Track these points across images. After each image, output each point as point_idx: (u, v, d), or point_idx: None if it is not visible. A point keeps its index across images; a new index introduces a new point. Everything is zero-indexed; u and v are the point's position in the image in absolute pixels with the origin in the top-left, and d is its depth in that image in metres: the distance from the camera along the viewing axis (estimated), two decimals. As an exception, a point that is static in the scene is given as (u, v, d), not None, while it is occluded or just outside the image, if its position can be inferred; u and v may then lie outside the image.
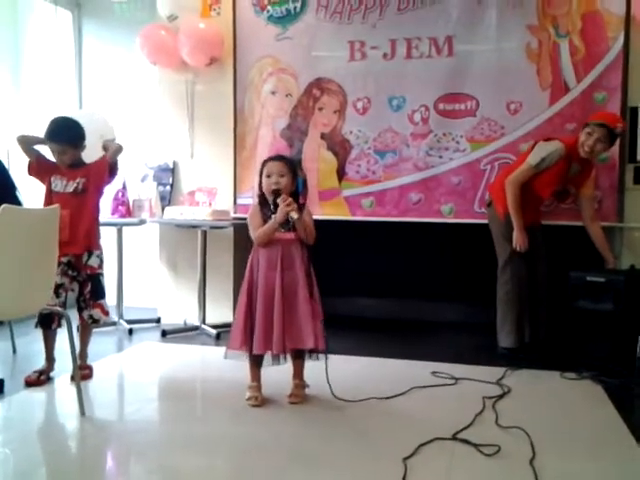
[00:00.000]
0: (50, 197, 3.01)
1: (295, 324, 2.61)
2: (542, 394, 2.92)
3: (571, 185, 3.64)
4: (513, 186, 3.45)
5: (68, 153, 3.04)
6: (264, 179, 2.66)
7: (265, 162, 2.71)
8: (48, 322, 2.98)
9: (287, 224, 2.59)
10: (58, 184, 3.05)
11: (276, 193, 2.60)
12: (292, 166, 2.69)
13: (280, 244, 2.63)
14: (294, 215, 2.53)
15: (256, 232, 2.65)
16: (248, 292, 2.66)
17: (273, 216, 2.61)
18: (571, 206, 3.81)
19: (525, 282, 3.56)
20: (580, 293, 3.38)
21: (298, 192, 2.73)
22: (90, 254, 3.09)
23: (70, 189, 3.05)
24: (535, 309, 3.63)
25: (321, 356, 2.68)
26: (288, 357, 2.71)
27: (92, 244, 3.10)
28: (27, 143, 3.04)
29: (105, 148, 3.26)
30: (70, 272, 3.04)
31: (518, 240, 3.45)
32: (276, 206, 2.59)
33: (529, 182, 3.48)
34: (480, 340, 3.87)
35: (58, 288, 2.94)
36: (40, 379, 2.97)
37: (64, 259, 2.98)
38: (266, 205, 2.68)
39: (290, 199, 2.58)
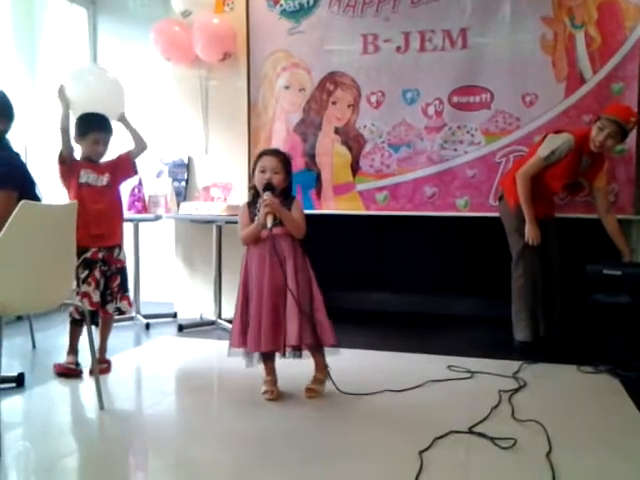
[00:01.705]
0: (80, 190, 3.02)
1: (284, 320, 2.58)
2: (558, 388, 2.90)
3: (583, 178, 3.61)
4: (524, 179, 3.44)
5: (107, 143, 3.10)
6: (257, 173, 2.63)
7: (260, 155, 2.68)
8: (82, 320, 3.03)
9: (272, 223, 2.55)
10: (90, 177, 3.07)
11: (266, 187, 2.58)
12: (287, 162, 2.68)
13: (268, 240, 2.60)
14: (269, 222, 2.52)
15: (241, 232, 2.65)
16: (244, 290, 2.66)
17: (257, 215, 2.60)
18: (586, 199, 3.79)
19: (539, 275, 3.55)
20: (596, 286, 3.35)
21: (291, 188, 2.72)
22: (120, 248, 3.18)
23: (102, 182, 3.10)
24: (550, 302, 3.61)
25: (330, 350, 2.67)
26: (288, 352, 2.65)
27: (122, 238, 3.20)
28: (68, 134, 3.04)
29: (122, 121, 3.28)
30: (102, 266, 3.10)
31: (530, 233, 3.44)
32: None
33: (540, 175, 3.47)
34: (496, 334, 3.86)
35: (98, 283, 3.05)
36: (77, 369, 3.03)
37: (100, 254, 3.06)
38: (255, 202, 2.67)
39: (274, 200, 2.55)
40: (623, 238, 3.55)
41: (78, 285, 2.98)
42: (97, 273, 3.06)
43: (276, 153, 2.69)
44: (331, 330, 2.64)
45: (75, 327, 3.10)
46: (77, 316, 3.05)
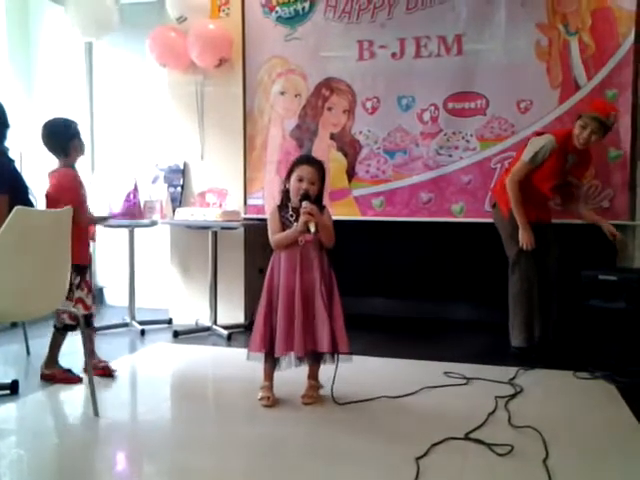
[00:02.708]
0: None
1: (313, 326, 2.61)
2: (555, 394, 2.91)
3: (572, 176, 3.62)
4: (512, 184, 3.47)
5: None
6: (294, 181, 2.63)
7: (298, 163, 2.67)
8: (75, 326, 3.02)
9: (308, 231, 2.56)
10: None
11: (303, 197, 2.58)
12: (323, 172, 2.68)
13: (299, 246, 2.63)
14: (312, 228, 2.53)
15: (274, 236, 2.65)
16: (268, 294, 2.66)
17: (295, 223, 2.60)
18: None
19: (534, 281, 3.54)
20: (592, 292, 3.35)
21: (322, 196, 2.72)
22: None
23: None
24: (546, 308, 3.61)
25: (343, 357, 2.66)
26: (307, 359, 2.69)
27: None
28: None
29: None
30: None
31: (524, 238, 3.45)
32: (298, 209, 2.58)
33: (529, 178, 3.48)
34: (492, 339, 3.87)
35: (90, 288, 3.16)
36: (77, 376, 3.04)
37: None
38: (285, 207, 2.68)
39: (313, 208, 2.55)
40: (597, 216, 3.63)
41: (71, 291, 2.95)
42: (88, 278, 3.08)
43: (314, 163, 2.67)
44: (347, 339, 2.65)
45: (60, 335, 3.06)
46: (70, 322, 3.02)
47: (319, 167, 2.67)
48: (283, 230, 2.65)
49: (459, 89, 3.98)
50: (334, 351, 2.63)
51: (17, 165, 2.89)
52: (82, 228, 3.00)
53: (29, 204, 2.74)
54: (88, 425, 2.51)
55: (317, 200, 2.65)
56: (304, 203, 2.56)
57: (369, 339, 3.98)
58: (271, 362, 2.70)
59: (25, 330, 3.64)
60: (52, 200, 2.91)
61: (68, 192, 2.92)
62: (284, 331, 2.59)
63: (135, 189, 4.33)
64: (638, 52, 3.71)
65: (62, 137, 3.02)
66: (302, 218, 2.55)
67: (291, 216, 2.64)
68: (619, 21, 3.73)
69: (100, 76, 5.17)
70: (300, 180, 2.61)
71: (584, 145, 3.41)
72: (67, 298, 2.89)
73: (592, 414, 2.64)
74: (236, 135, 4.40)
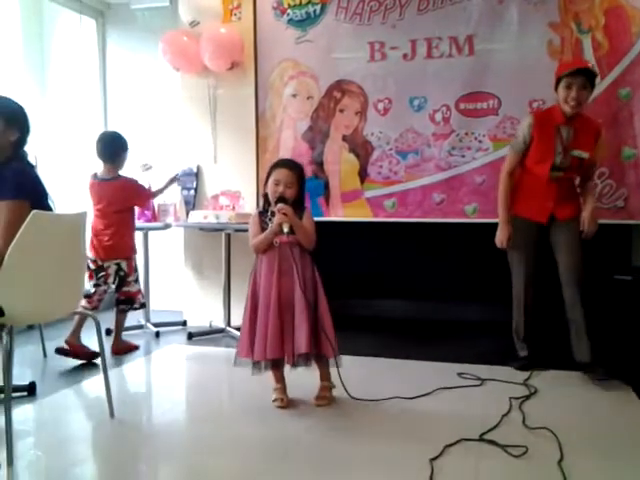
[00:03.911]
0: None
1: (293, 328, 2.58)
2: (569, 395, 2.88)
3: (579, 150, 3.10)
4: (502, 178, 3.24)
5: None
6: (271, 184, 2.65)
7: (275, 167, 2.70)
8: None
9: (282, 232, 2.57)
10: None
11: (279, 199, 2.61)
12: (301, 176, 2.70)
13: (277, 249, 2.63)
14: (285, 229, 2.54)
15: (253, 240, 2.67)
16: (252, 298, 2.67)
17: (270, 224, 2.62)
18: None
19: (524, 286, 3.24)
20: (607, 292, 3.31)
21: (302, 198, 2.73)
22: None
23: None
24: (538, 315, 3.29)
25: (332, 361, 2.65)
26: (297, 361, 2.63)
27: None
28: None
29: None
30: None
31: (497, 236, 3.25)
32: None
33: (524, 169, 3.22)
34: (506, 340, 3.83)
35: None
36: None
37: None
38: (265, 212, 2.70)
39: (287, 208, 2.57)
40: (589, 204, 3.16)
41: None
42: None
43: (291, 167, 2.69)
44: (333, 341, 2.61)
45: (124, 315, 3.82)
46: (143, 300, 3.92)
47: (296, 170, 2.68)
48: None
49: (471, 89, 3.97)
50: (317, 352, 2.61)
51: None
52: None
53: (48, 209, 2.77)
54: (104, 426, 2.54)
55: (298, 203, 2.67)
56: (279, 205, 2.58)
57: (383, 340, 3.98)
58: (274, 366, 2.68)
59: (42, 332, 3.68)
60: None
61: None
62: (262, 334, 2.58)
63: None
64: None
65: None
66: (276, 218, 2.57)
67: (270, 220, 2.65)
68: (632, 20, 3.70)
69: (113, 80, 5.22)
70: (277, 184, 2.63)
71: (577, 107, 3.02)
72: (136, 281, 3.81)
73: (607, 415, 2.62)
74: (249, 138, 4.42)
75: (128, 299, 3.74)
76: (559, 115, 3.10)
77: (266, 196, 2.72)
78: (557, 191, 3.16)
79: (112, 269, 3.66)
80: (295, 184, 2.65)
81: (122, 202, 3.70)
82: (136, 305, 3.80)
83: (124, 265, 3.69)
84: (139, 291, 3.83)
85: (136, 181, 3.83)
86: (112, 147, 3.68)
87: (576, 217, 3.16)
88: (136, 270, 3.81)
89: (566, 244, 3.15)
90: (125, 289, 3.71)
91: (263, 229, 2.66)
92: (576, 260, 3.11)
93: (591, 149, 3.13)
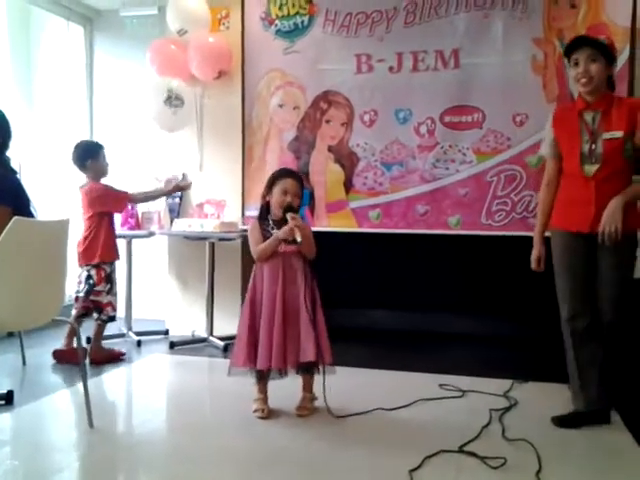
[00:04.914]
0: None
1: (297, 337, 2.61)
2: (549, 407, 2.88)
3: (614, 130, 2.55)
4: (541, 190, 2.83)
5: None
6: (278, 194, 2.66)
7: (280, 177, 2.71)
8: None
9: (294, 241, 2.59)
10: None
11: (288, 209, 2.62)
12: (302, 186, 2.75)
13: (281, 257, 2.65)
14: (298, 238, 2.56)
15: (257, 247, 2.67)
16: (251, 307, 2.67)
17: (274, 231, 2.63)
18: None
19: (567, 321, 2.66)
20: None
21: (302, 208, 2.79)
22: None
23: None
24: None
25: (329, 369, 2.68)
26: (290, 371, 2.69)
27: None
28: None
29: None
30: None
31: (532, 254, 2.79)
32: (284, 221, 2.61)
33: (562, 174, 2.72)
34: (488, 352, 3.87)
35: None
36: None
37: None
38: (265, 219, 2.71)
39: (300, 218, 2.60)
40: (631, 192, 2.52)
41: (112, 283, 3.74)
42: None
43: (297, 177, 2.74)
44: (330, 350, 2.67)
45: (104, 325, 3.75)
46: (113, 313, 3.76)
47: (301, 181, 2.75)
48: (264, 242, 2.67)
49: (456, 102, 4.01)
50: (319, 361, 2.64)
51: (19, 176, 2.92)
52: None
53: (30, 216, 2.76)
54: (83, 436, 2.51)
55: (298, 212, 2.70)
56: (290, 213, 2.60)
57: (365, 351, 3.99)
58: (261, 376, 2.70)
59: (21, 340, 3.63)
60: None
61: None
62: (266, 343, 2.58)
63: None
64: (632, 68, 3.74)
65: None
66: (289, 225, 2.57)
67: (272, 228, 2.67)
68: (614, 37, 3.73)
69: (100, 87, 5.20)
70: (285, 193, 2.65)
71: (589, 83, 2.54)
72: (109, 292, 3.70)
73: (586, 428, 2.62)
74: (235, 147, 4.42)
75: (97, 308, 3.66)
76: (580, 101, 2.67)
77: (267, 205, 2.73)
78: (597, 192, 2.53)
79: (83, 275, 3.66)
80: (300, 194, 2.70)
81: (91, 208, 3.66)
82: (103, 317, 3.68)
83: (93, 272, 3.64)
84: (109, 303, 3.69)
85: (105, 186, 3.74)
86: (76, 155, 3.70)
87: (629, 233, 2.52)
88: (109, 282, 3.70)
89: (609, 268, 2.57)
90: (93, 298, 3.65)
91: (264, 237, 2.67)
92: (617, 293, 2.57)
93: (627, 127, 2.53)
